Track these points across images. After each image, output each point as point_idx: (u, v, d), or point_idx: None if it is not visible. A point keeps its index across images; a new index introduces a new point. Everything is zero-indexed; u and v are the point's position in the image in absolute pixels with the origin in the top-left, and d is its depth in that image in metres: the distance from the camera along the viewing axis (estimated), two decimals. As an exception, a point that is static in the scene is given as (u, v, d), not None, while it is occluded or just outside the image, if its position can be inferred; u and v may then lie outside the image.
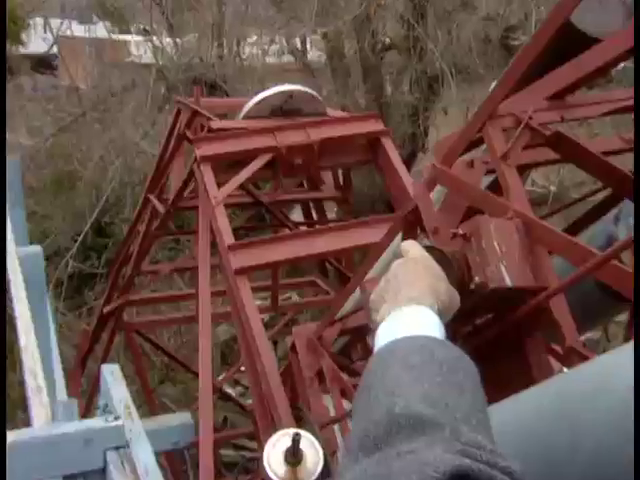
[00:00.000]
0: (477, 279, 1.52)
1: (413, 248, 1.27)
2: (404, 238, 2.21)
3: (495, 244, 1.59)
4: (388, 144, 4.55)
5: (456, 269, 1.33)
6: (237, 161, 4.41)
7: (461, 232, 1.60)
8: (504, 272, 1.57)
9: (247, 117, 4.68)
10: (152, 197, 5.59)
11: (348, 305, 2.92)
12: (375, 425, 0.86)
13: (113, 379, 2.10)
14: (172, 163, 5.42)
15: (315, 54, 13.78)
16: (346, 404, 2.83)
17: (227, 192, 4.17)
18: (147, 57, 13.48)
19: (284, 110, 4.70)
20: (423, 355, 0.94)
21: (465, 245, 1.58)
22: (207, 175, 4.21)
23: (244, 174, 4.25)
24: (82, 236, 10.37)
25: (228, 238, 3.80)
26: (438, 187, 2.20)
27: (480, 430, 0.85)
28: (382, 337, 1.04)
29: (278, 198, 5.26)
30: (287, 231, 5.15)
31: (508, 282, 1.58)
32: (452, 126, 11.23)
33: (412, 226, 2.23)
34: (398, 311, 1.07)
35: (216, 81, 12.13)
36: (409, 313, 1.07)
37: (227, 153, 4.35)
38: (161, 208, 5.35)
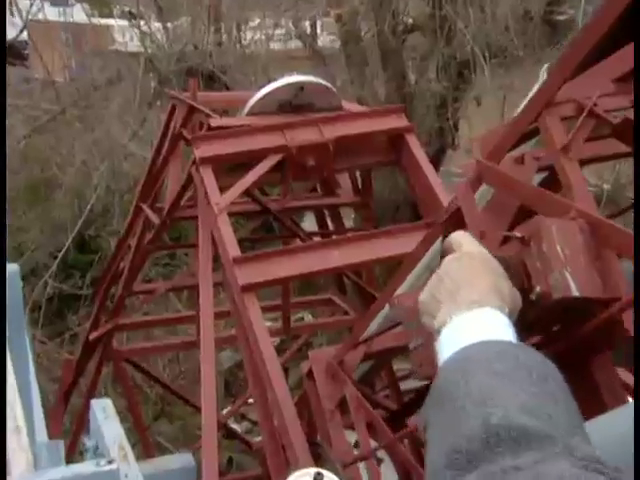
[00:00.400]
0: (538, 288, 1.50)
1: (467, 240, 1.27)
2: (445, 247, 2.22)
3: (558, 248, 1.57)
4: (413, 141, 4.61)
5: (513, 277, 1.28)
6: (241, 163, 4.45)
7: (518, 235, 1.58)
8: (569, 280, 1.55)
9: (251, 113, 4.71)
10: (144, 206, 5.65)
11: (374, 325, 2.94)
12: (468, 440, 0.87)
13: (105, 416, 2.12)
14: (167, 167, 5.49)
15: (327, 39, 13.82)
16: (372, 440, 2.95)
17: (231, 198, 4.20)
18: (134, 45, 13.53)
19: (294, 105, 4.75)
20: (507, 361, 0.95)
21: (523, 250, 1.55)
22: (208, 179, 4.22)
23: (250, 178, 4.27)
24: (63, 252, 10.39)
25: (233, 250, 3.85)
26: (482, 187, 2.22)
27: (588, 443, 0.87)
28: (448, 344, 1.06)
29: (288, 205, 5.31)
30: (299, 242, 5.23)
31: (574, 291, 1.56)
32: (487, 118, 11.25)
33: (453, 231, 2.27)
34: (461, 314, 1.09)
35: (214, 72, 12.25)
36: (476, 316, 1.09)
37: (230, 154, 4.37)
38: (155, 218, 5.42)
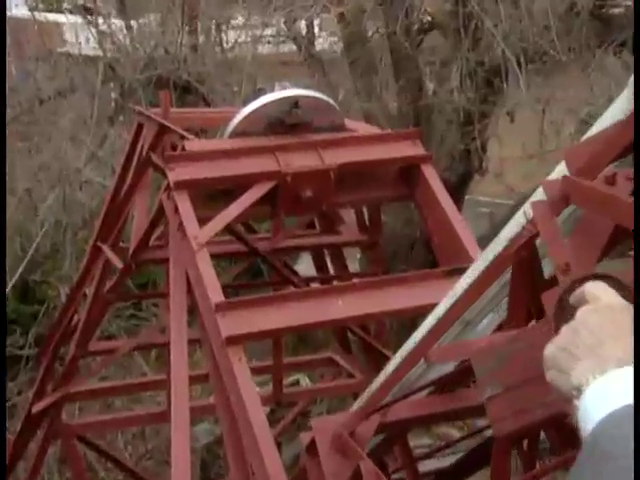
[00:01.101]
0: None
1: (603, 292, 1.39)
2: (516, 282, 2.34)
3: None
4: (430, 173, 4.73)
5: None
6: (224, 191, 4.59)
7: None
8: None
9: (236, 134, 4.84)
10: (104, 246, 5.72)
11: (395, 388, 3.03)
12: None
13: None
14: (132, 198, 5.55)
15: (327, 41, 13.95)
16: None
17: (213, 232, 4.27)
18: (90, 47, 13.63)
19: (287, 124, 4.85)
20: None
21: None
22: (183, 207, 4.32)
23: (234, 209, 4.34)
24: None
25: (215, 295, 3.89)
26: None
27: None
28: (596, 407, 1.20)
29: (280, 245, 5.36)
30: (294, 289, 5.28)
31: None
32: (521, 137, 11.47)
33: (526, 266, 2.35)
34: (608, 373, 1.22)
35: (190, 82, 12.41)
36: (624, 375, 1.22)
37: (211, 179, 4.49)
38: (117, 261, 5.47)
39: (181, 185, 4.44)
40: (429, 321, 2.95)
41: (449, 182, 11.60)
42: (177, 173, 4.47)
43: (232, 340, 3.73)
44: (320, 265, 6.06)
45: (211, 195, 4.69)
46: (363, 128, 5.47)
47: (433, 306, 2.94)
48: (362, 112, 11.09)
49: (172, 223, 4.57)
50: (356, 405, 3.35)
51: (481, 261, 2.74)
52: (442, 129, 11.31)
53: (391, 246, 11.11)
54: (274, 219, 4.81)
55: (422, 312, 4.40)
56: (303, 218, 5.80)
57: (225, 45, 14.17)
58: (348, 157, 4.73)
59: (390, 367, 3.29)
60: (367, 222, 5.55)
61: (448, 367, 3.11)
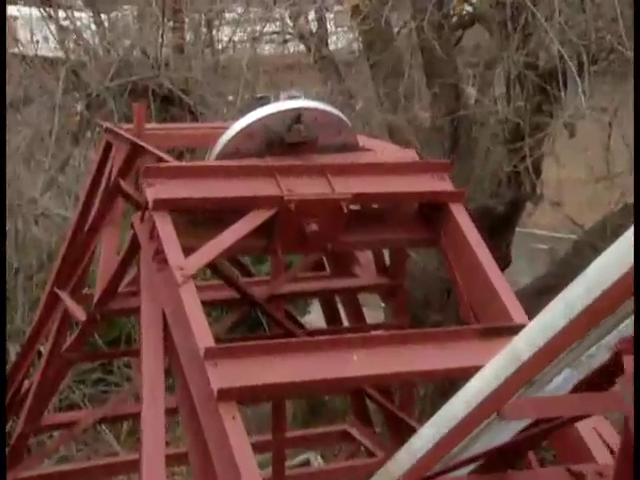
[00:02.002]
0: None
1: None
2: None
3: None
4: (459, 214, 4.82)
5: None
6: (211, 217, 4.70)
7: None
8: None
9: (227, 154, 4.94)
10: (63, 294, 5.73)
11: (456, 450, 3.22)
12: None
13: None
14: (98, 235, 5.65)
15: (342, 40, 14.06)
16: None
17: (201, 262, 4.40)
18: (49, 48, 13.64)
19: (288, 142, 4.95)
20: None
21: None
22: (164, 231, 4.45)
23: (227, 238, 4.47)
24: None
25: (204, 338, 3.94)
26: None
27: None
28: None
29: (281, 290, 5.48)
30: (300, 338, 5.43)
31: None
32: (584, 155, 11.35)
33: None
34: None
35: (172, 91, 12.55)
36: None
37: (198, 199, 4.64)
38: (79, 312, 5.53)
39: (161, 204, 4.54)
40: (474, 386, 3.04)
41: (494, 212, 11.61)
42: (157, 190, 4.56)
43: (225, 394, 3.75)
44: (331, 315, 6.08)
45: (194, 222, 4.75)
46: (382, 147, 5.65)
47: (466, 370, 3.05)
48: (385, 125, 11.16)
49: (145, 251, 4.67)
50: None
51: (556, 313, 2.87)
52: (485, 146, 11.32)
53: (421, 291, 11.08)
54: (273, 257, 4.98)
55: (454, 375, 4.36)
56: (310, 257, 5.83)
57: (217, 45, 14.15)
58: (363, 187, 4.85)
59: (417, 442, 3.31)
60: (388, 261, 5.60)
61: (498, 438, 3.18)
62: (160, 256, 4.52)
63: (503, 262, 10.48)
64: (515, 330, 3.36)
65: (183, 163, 5.39)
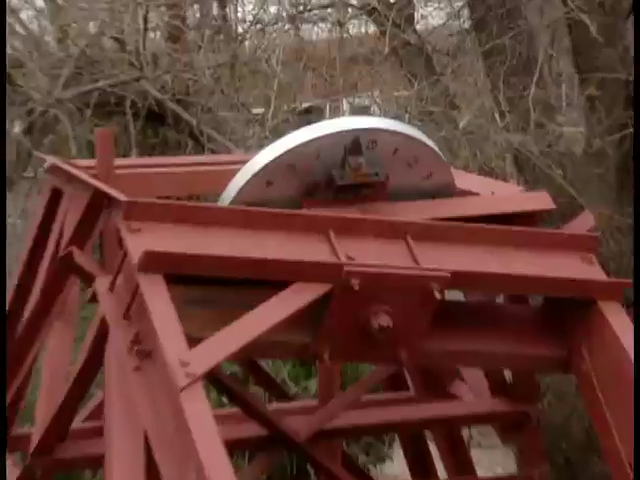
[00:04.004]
0: None
1: None
2: None
3: None
4: (614, 315, 4.95)
5: None
6: (229, 291, 4.90)
7: None
8: None
9: (245, 201, 5.20)
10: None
11: None
12: None
13: None
14: (39, 333, 5.89)
15: (436, 16, 14.78)
16: None
17: (216, 358, 4.57)
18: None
19: (340, 185, 5.28)
20: None
21: None
22: (156, 303, 4.63)
23: (251, 326, 4.68)
24: None
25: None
26: None
27: None
28: None
29: (334, 423, 5.71)
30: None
31: None
32: None
33: None
34: None
35: (162, 103, 12.77)
36: None
37: (210, 259, 4.82)
38: (10, 467, 5.81)
39: (153, 263, 4.66)
40: None
41: None
42: (146, 238, 4.73)
43: None
44: (420, 463, 6.38)
45: (201, 296, 4.95)
46: (490, 187, 5.81)
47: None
48: (510, 151, 11.29)
49: (116, 339, 4.79)
50: None
51: None
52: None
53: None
54: (321, 365, 4.93)
55: None
56: (383, 368, 6.07)
57: (235, 29, 14.73)
58: (465, 261, 4.99)
59: None
60: (509, 376, 5.80)
61: None
62: (141, 347, 4.64)
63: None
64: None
65: (187, 202, 5.45)
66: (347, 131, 5.02)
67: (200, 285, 4.90)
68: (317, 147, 5.00)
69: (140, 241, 4.65)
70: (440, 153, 5.24)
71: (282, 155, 4.99)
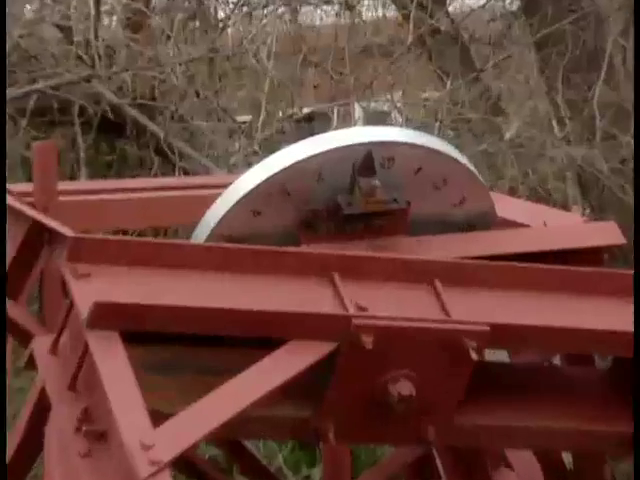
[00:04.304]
0: None
1: None
2: None
3: None
4: None
5: None
6: (203, 351, 4.87)
7: None
8: None
9: (226, 235, 5.32)
10: None
11: None
12: None
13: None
14: None
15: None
16: None
17: (188, 441, 4.47)
18: None
19: (347, 214, 5.38)
20: None
21: None
22: (112, 368, 4.58)
23: (235, 397, 4.68)
24: None
25: None
26: None
27: None
28: None
29: None
30: None
31: None
32: None
33: None
34: None
35: (120, 109, 12.86)
36: None
37: (181, 310, 4.80)
38: None
39: (107, 317, 4.58)
40: None
41: None
42: (97, 285, 4.69)
43: None
44: None
45: (165, 360, 4.96)
46: (539, 214, 5.85)
47: None
48: (573, 169, 11.41)
49: (59, 416, 4.74)
50: None
51: None
52: None
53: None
54: (326, 449, 4.92)
55: None
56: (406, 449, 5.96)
57: (215, 14, 14.77)
58: (508, 312, 4.96)
59: None
60: (570, 468, 5.73)
61: None
62: (92, 427, 4.55)
63: None
64: None
65: (152, 239, 5.45)
66: (357, 145, 4.95)
67: (167, 345, 4.77)
68: (318, 166, 4.91)
69: (89, 289, 4.52)
70: (476, 172, 5.17)
71: (274, 176, 4.93)
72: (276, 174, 4.82)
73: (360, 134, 4.95)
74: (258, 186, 4.77)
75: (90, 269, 4.66)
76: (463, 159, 4.99)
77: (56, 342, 4.69)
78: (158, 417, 4.33)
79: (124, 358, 4.44)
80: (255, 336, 4.71)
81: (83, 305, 4.47)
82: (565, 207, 9.22)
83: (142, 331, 4.64)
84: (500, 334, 4.73)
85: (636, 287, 2.38)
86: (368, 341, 4.63)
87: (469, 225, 4.98)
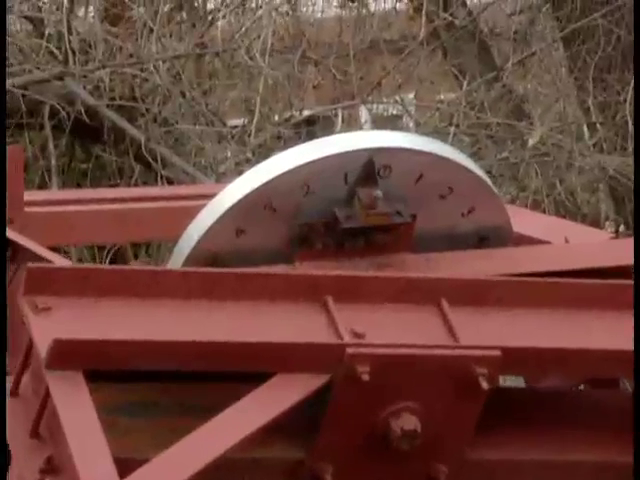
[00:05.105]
0: None
1: None
2: None
3: None
4: None
5: None
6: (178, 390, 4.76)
7: None
8: None
9: (213, 251, 5.31)
10: None
11: None
12: None
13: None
14: None
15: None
16: None
17: None
18: None
19: (345, 227, 5.32)
20: None
21: None
22: (75, 415, 4.57)
23: (215, 440, 4.63)
24: None
25: None
26: None
27: None
28: None
29: None
30: None
31: None
32: None
33: None
34: None
35: (97, 112, 12.70)
36: None
37: (155, 345, 4.76)
38: None
39: (69, 354, 4.53)
40: None
41: None
42: (57, 321, 4.64)
43: None
44: None
45: (138, 401, 4.93)
46: (576, 231, 5.79)
47: None
48: (605, 175, 11.28)
49: (27, 460, 4.52)
50: None
51: None
52: None
53: None
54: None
55: None
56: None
57: (203, 6, 14.70)
58: (522, 334, 4.96)
59: None
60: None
61: None
62: (57, 477, 4.50)
63: None
64: None
65: (120, 266, 5.30)
66: (355, 151, 4.76)
67: (137, 383, 4.72)
68: (312, 175, 4.75)
69: (50, 325, 4.47)
70: (488, 180, 4.97)
71: (255, 191, 4.73)
72: (257, 189, 4.52)
73: (358, 139, 4.77)
74: (237, 202, 4.46)
75: (51, 302, 4.60)
76: (470, 164, 4.74)
77: (17, 383, 4.63)
78: (129, 464, 4.26)
79: (88, 401, 4.37)
80: (238, 370, 4.69)
81: (42, 343, 4.41)
82: (596, 223, 9.01)
83: (110, 369, 4.60)
84: (514, 359, 4.77)
85: (636, 287, 2.24)
86: (364, 372, 4.60)
87: (480, 238, 4.70)
